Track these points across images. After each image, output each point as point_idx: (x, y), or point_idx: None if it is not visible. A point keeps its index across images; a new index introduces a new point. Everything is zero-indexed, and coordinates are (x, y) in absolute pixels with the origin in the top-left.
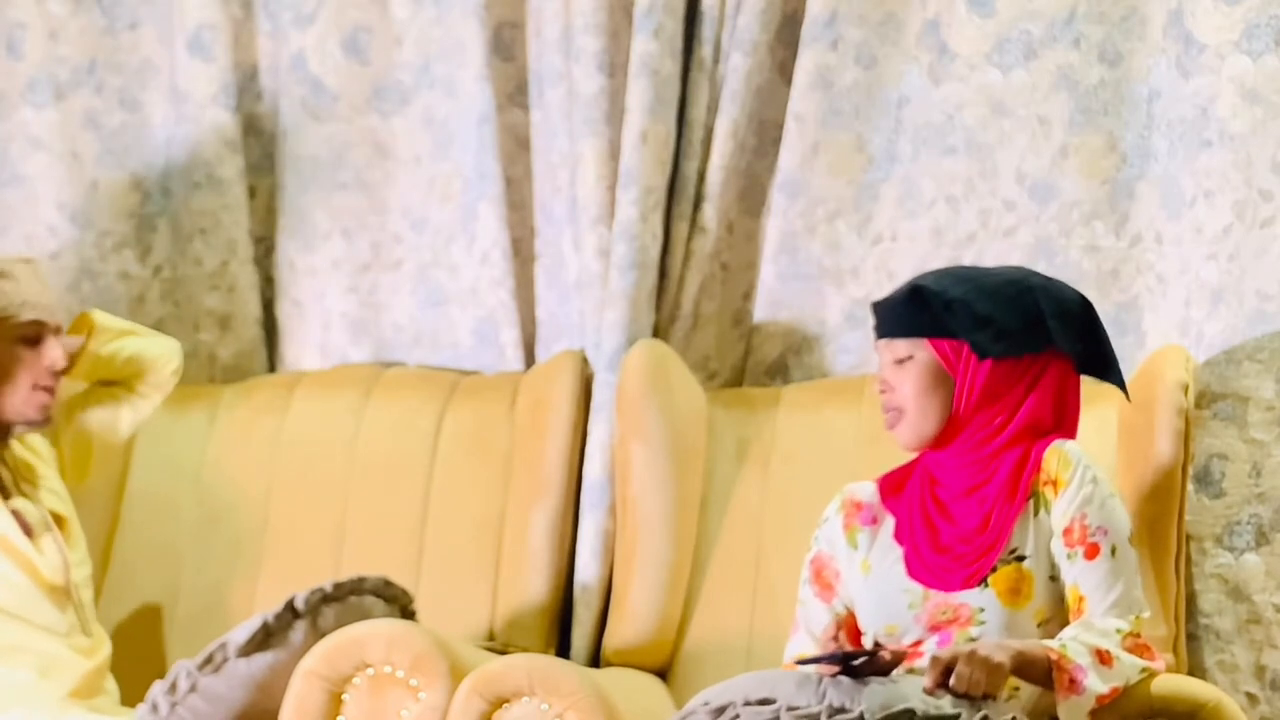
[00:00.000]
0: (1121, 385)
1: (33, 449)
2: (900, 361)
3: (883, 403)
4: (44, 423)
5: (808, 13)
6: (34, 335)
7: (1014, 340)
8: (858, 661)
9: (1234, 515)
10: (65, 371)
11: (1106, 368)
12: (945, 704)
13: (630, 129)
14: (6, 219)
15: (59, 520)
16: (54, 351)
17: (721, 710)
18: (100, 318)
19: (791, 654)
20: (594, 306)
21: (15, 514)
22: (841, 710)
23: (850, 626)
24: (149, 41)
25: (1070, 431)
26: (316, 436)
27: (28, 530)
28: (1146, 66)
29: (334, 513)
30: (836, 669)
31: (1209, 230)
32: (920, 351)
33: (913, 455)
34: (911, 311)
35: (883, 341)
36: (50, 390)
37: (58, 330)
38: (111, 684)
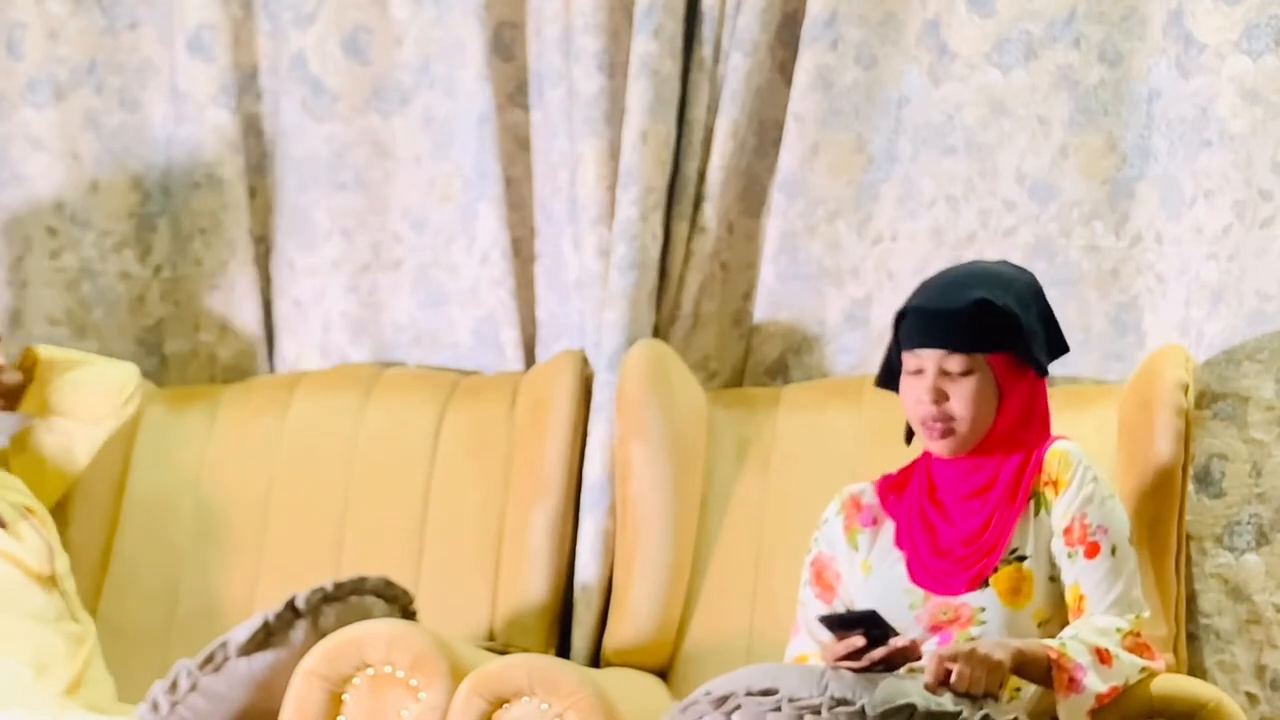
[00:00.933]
0: (1044, 368)
1: None
2: (959, 374)
3: (930, 413)
4: None
5: (808, 13)
6: None
7: (1051, 353)
8: (875, 633)
9: (1234, 515)
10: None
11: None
12: (946, 701)
13: (630, 129)
14: (6, 219)
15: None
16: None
17: (723, 700)
18: (45, 352)
19: (792, 654)
20: (594, 306)
21: None
22: (843, 703)
23: None
24: (149, 41)
25: (1048, 426)
26: (316, 436)
27: (1, 523)
28: (1146, 66)
29: (334, 513)
30: (854, 636)
31: (1209, 230)
32: (982, 366)
33: (912, 456)
34: (978, 325)
35: (938, 352)
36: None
37: None
38: (105, 674)
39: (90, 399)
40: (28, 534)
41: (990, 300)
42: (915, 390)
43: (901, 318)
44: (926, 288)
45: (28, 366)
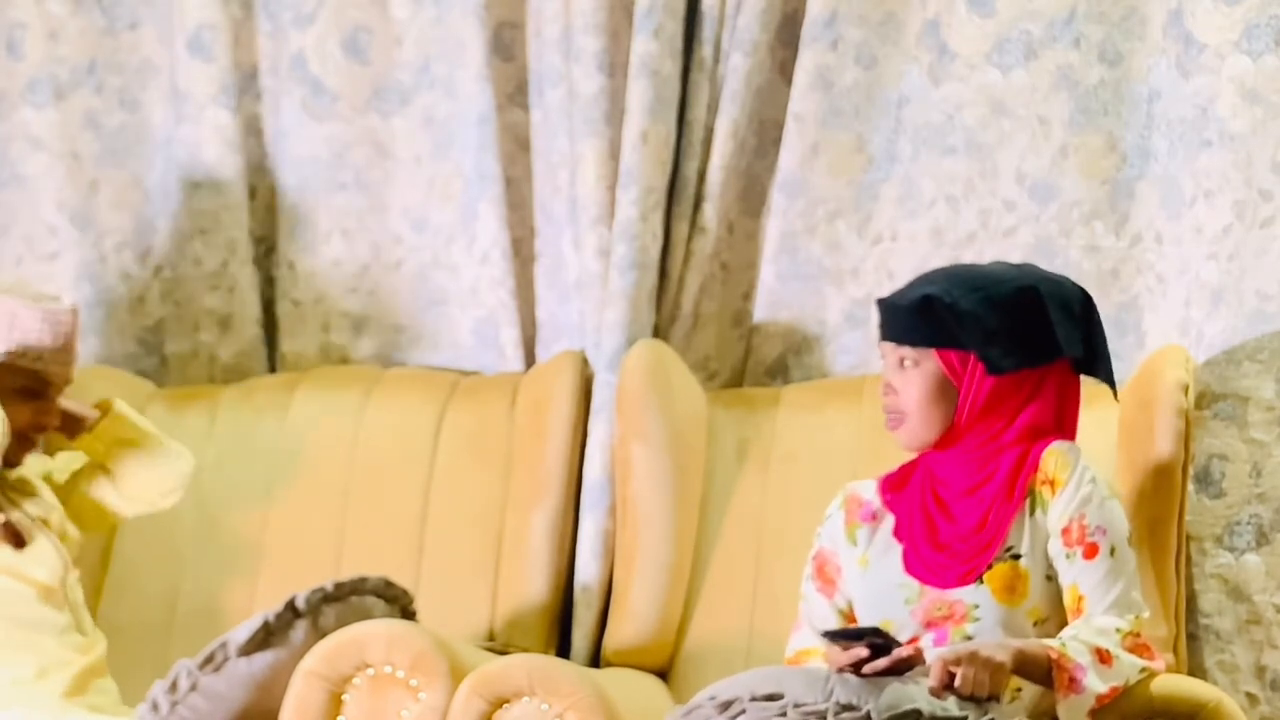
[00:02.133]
0: (1111, 383)
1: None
2: (909, 366)
3: (885, 404)
4: (10, 467)
5: (808, 13)
6: (39, 388)
7: (1023, 355)
8: (877, 642)
9: (1234, 515)
10: (69, 436)
11: (1097, 363)
12: (951, 706)
13: (630, 129)
14: (6, 219)
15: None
16: (52, 410)
17: (728, 705)
18: (120, 409)
19: (794, 648)
20: (594, 306)
21: (6, 525)
22: (849, 708)
23: (851, 622)
24: (149, 41)
25: (1070, 433)
26: (316, 436)
27: (20, 538)
28: (1146, 66)
29: (334, 513)
30: (858, 647)
31: (1209, 230)
32: (927, 360)
33: (913, 455)
34: (921, 321)
35: (888, 344)
36: (31, 442)
37: (65, 383)
38: (110, 683)
39: (141, 481)
40: (42, 546)
41: (935, 296)
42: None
43: None
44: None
45: (101, 413)
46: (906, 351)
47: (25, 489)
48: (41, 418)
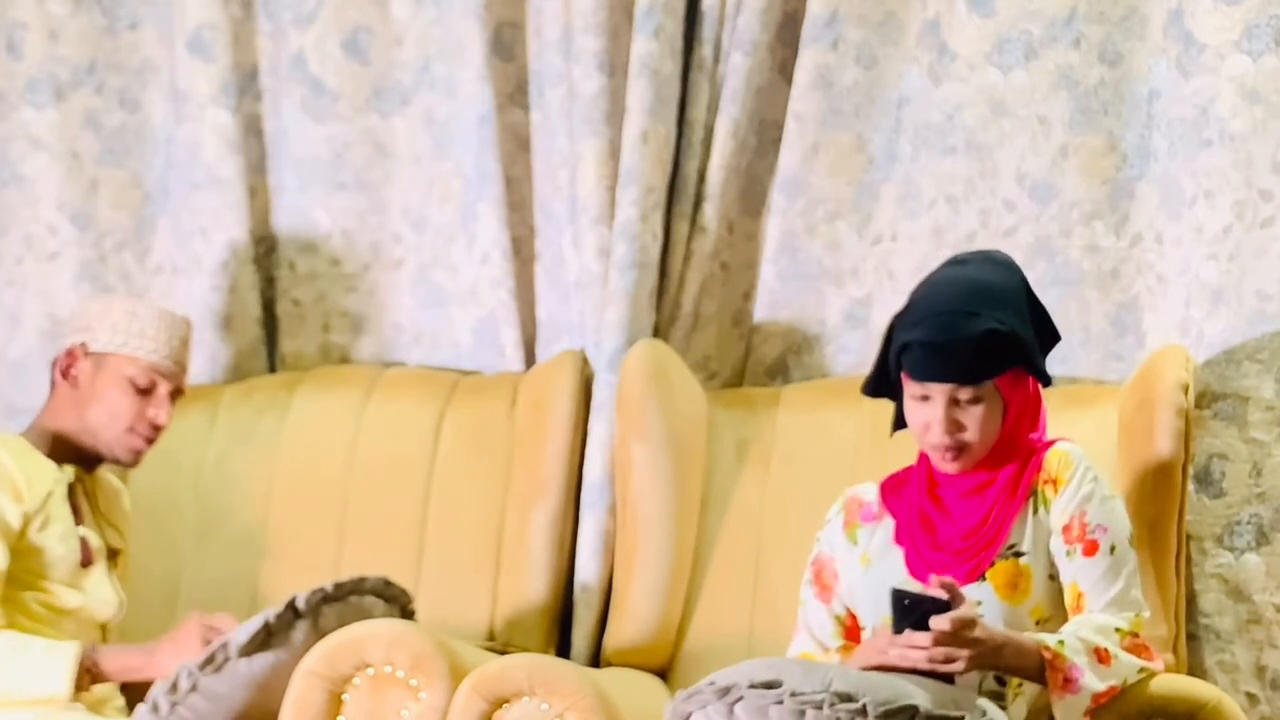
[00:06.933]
0: (1049, 378)
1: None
2: (969, 401)
3: (942, 442)
4: (130, 465)
5: (808, 13)
6: (148, 384)
7: (1045, 347)
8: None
9: (1234, 515)
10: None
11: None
12: (948, 703)
13: (630, 129)
14: (6, 219)
15: (115, 553)
16: (163, 406)
17: (726, 690)
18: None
19: (792, 653)
20: (594, 306)
21: (82, 540)
22: (846, 699)
23: (849, 628)
24: (149, 41)
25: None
26: (316, 436)
27: (89, 557)
28: (1146, 66)
29: (334, 513)
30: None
31: (1209, 230)
32: (990, 391)
33: (911, 454)
34: (986, 356)
35: (948, 385)
36: (149, 440)
37: (178, 392)
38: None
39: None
40: (104, 581)
41: (997, 329)
42: (923, 415)
43: (897, 338)
44: (926, 316)
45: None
46: (967, 390)
47: (106, 506)
48: (152, 411)
